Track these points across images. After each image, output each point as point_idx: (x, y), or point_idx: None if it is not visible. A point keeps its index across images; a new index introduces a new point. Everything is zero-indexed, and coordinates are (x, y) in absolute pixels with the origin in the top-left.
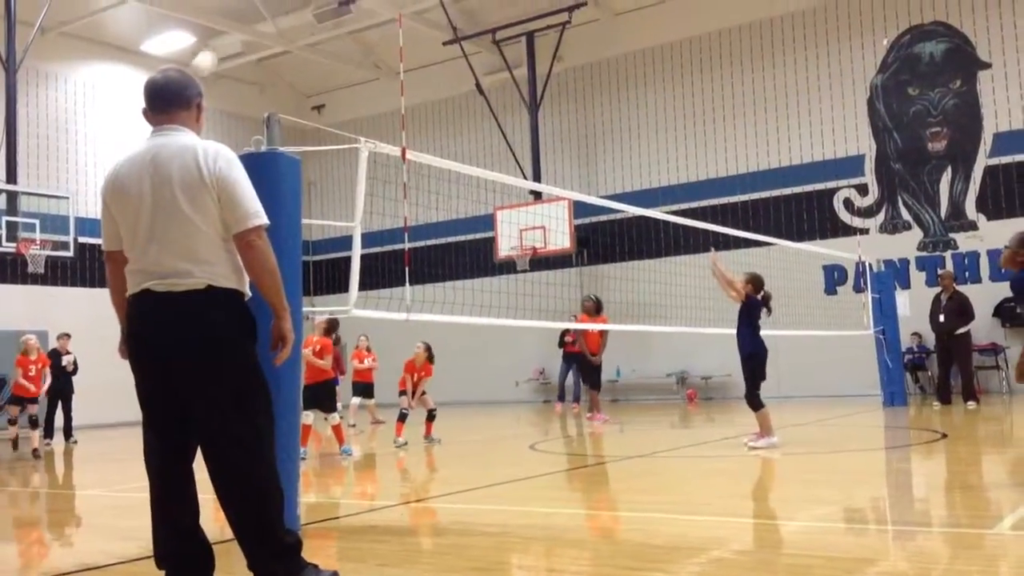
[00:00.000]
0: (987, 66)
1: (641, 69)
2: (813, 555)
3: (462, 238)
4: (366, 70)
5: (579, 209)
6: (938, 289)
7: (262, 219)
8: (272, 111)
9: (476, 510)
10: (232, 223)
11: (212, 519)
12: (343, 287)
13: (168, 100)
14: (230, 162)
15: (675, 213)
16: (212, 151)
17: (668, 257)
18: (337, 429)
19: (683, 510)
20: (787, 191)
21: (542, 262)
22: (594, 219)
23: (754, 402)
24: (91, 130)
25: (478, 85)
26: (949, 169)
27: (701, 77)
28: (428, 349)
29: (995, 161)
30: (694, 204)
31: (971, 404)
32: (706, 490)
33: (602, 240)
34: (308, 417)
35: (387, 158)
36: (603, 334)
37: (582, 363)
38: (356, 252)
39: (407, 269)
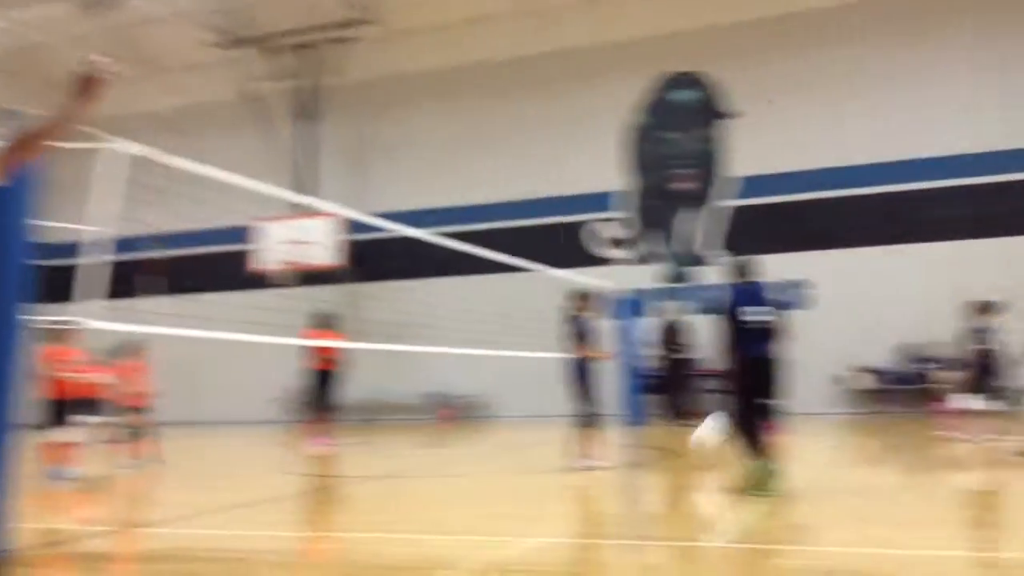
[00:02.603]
0: (732, 116)
1: (421, 90)
2: (538, 570)
3: (222, 248)
4: (131, 67)
5: (351, 226)
6: (673, 317)
7: None
8: (23, 104)
9: (205, 535)
10: None
11: None
12: (95, 294)
13: None
14: None
15: (445, 235)
16: None
17: (434, 279)
18: (65, 447)
19: (423, 530)
20: (548, 220)
21: (310, 278)
22: (365, 237)
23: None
24: None
25: (251, 92)
26: (695, 208)
27: (478, 103)
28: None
29: (735, 203)
30: (464, 227)
31: (691, 424)
32: (447, 510)
33: (372, 259)
34: (71, 434)
35: (146, 161)
36: (337, 352)
37: (314, 381)
38: (91, 258)
39: (155, 278)
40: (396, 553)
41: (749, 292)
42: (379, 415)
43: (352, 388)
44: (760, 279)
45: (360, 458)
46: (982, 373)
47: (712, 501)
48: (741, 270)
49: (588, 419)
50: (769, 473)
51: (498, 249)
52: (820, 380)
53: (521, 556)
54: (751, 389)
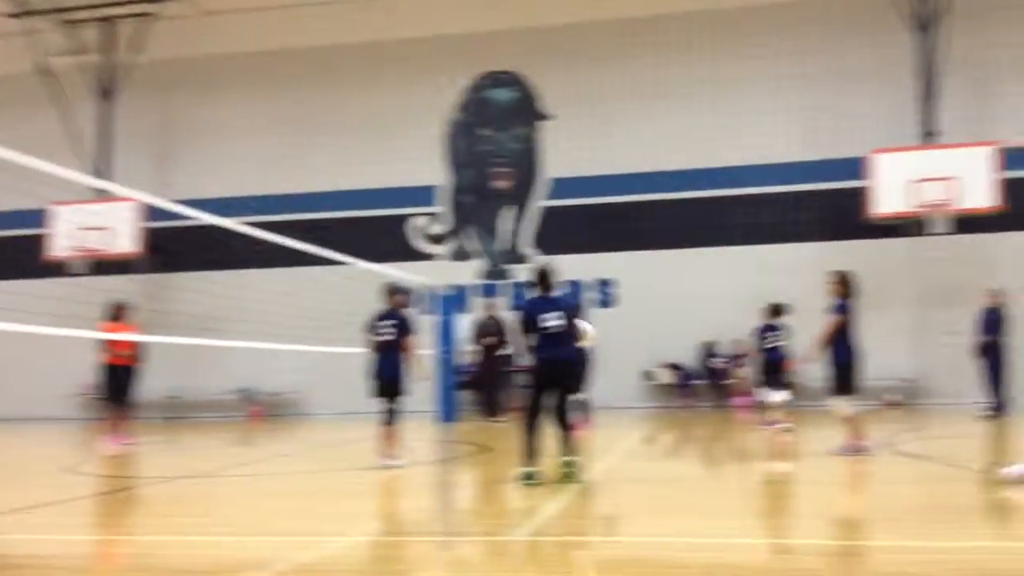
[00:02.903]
0: (548, 117)
1: (233, 74)
2: (347, 570)
3: (14, 233)
4: None
5: (153, 213)
6: (486, 314)
7: None
8: None
9: None
10: None
11: None
12: None
13: None
14: None
15: (255, 225)
16: None
17: (241, 270)
18: None
19: (227, 532)
20: (365, 213)
21: (108, 266)
22: (169, 224)
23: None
24: None
25: (48, 66)
26: (511, 206)
27: (295, 91)
28: None
29: (550, 203)
30: (273, 217)
31: (501, 420)
32: (254, 510)
33: (177, 248)
34: None
35: None
36: (133, 345)
37: (107, 376)
38: None
39: None
40: (198, 556)
41: (545, 298)
42: (184, 413)
43: (154, 384)
44: (558, 283)
45: (162, 458)
46: (772, 369)
47: (521, 495)
48: (540, 275)
49: (392, 415)
50: (571, 467)
51: (315, 241)
52: (630, 376)
53: (331, 556)
54: (543, 389)
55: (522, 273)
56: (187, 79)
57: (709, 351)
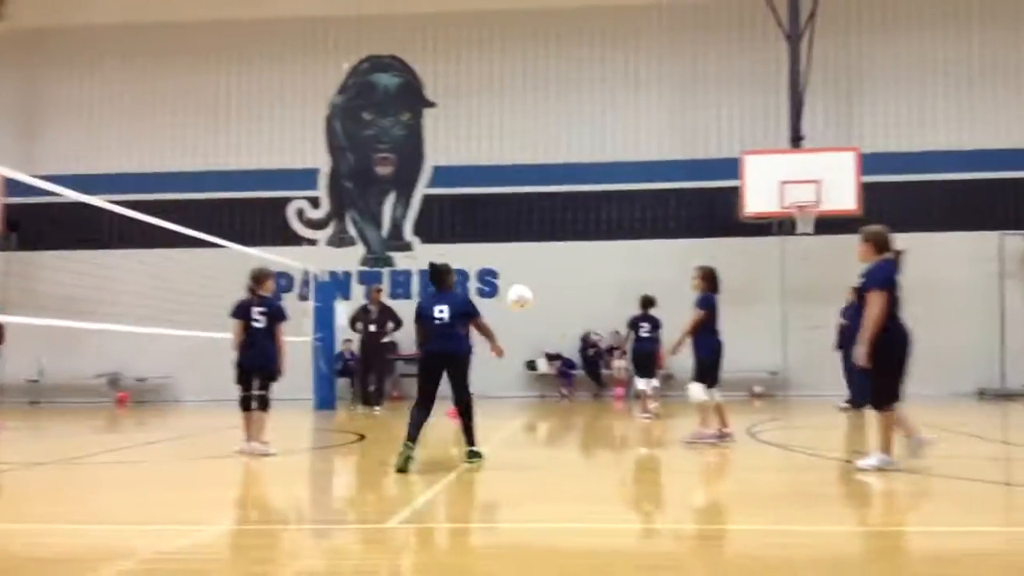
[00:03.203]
0: (432, 105)
1: (100, 45)
2: (220, 558)
3: None
4: None
5: (13, 187)
6: (366, 302)
7: None
8: None
9: None
10: None
11: None
12: None
13: None
14: None
15: (125, 204)
16: None
17: (110, 250)
18: None
19: (88, 520)
20: (242, 195)
21: None
22: (31, 200)
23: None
24: None
25: None
26: (393, 193)
27: (171, 66)
28: None
29: (431, 191)
30: (146, 196)
31: (378, 409)
32: (116, 498)
33: (38, 225)
34: None
35: None
36: None
37: None
38: None
39: None
40: (57, 544)
41: (437, 295)
42: (48, 397)
43: (13, 367)
44: (451, 280)
45: (24, 444)
46: (644, 359)
47: (399, 484)
48: (433, 274)
49: (262, 402)
50: (476, 456)
51: (188, 223)
52: (512, 365)
53: (199, 544)
54: (430, 381)
55: (404, 261)
56: (53, 50)
57: (587, 341)
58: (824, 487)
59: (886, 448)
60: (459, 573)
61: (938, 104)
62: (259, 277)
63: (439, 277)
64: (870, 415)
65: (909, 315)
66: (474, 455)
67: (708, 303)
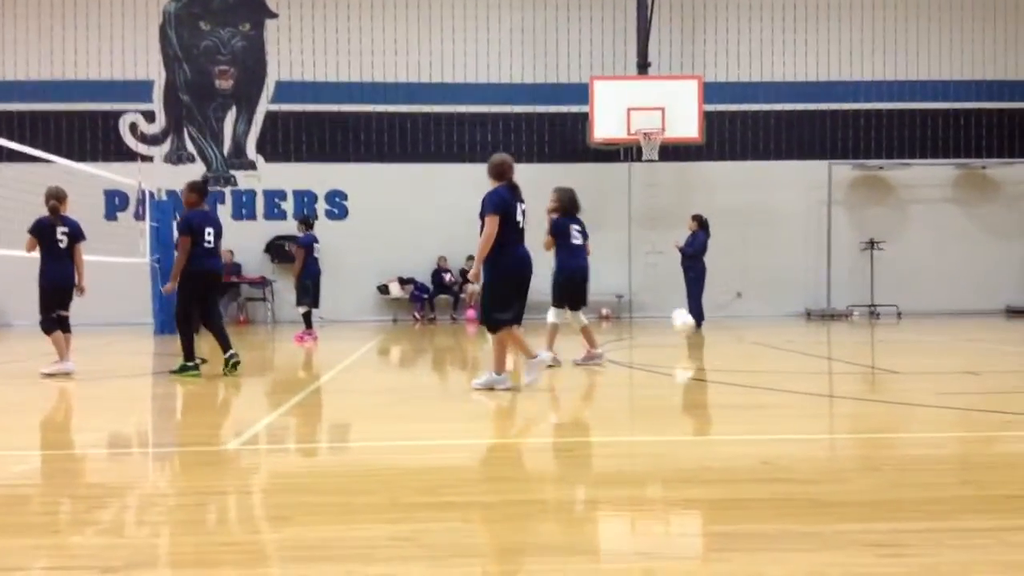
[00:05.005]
0: (274, 16)
1: None
2: (54, 483)
3: None
4: None
5: None
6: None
7: None
8: None
9: None
10: None
11: None
12: None
13: None
14: None
15: None
16: None
17: None
18: None
19: None
20: (71, 107)
21: None
22: None
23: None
24: None
25: None
26: (234, 108)
27: None
28: None
29: (275, 107)
30: None
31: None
32: None
33: None
34: None
35: None
36: None
37: None
38: None
39: None
40: None
41: (204, 213)
42: None
43: None
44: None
45: None
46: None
47: (243, 407)
48: (194, 187)
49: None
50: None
51: (13, 135)
52: (363, 289)
53: (32, 470)
54: (193, 298)
55: (247, 180)
56: None
57: (440, 266)
58: (658, 401)
59: (498, 368)
60: (305, 492)
61: (776, 36)
62: (62, 195)
63: (197, 188)
64: (705, 334)
65: (747, 239)
66: (233, 357)
67: (557, 227)
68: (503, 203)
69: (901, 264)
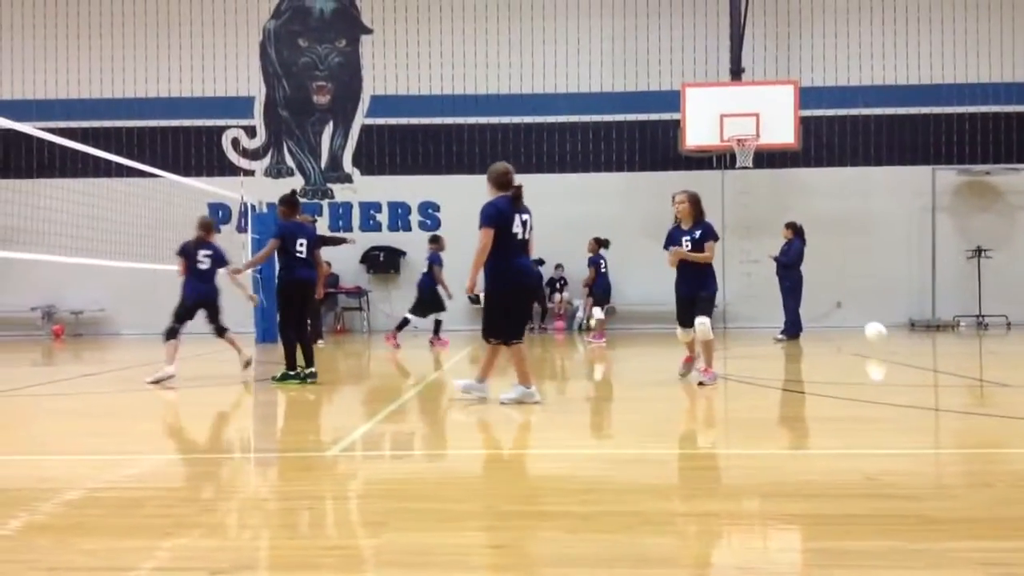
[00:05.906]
0: (369, 31)
1: None
2: (161, 487)
3: None
4: None
5: None
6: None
7: None
8: None
9: None
10: None
11: None
12: None
13: None
14: None
15: (54, 131)
16: None
17: (42, 179)
18: None
19: (33, 451)
20: (176, 123)
21: None
22: None
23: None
24: None
25: None
26: (331, 123)
27: None
28: None
29: (370, 121)
30: (76, 123)
31: (321, 343)
32: (58, 428)
33: None
34: None
35: None
36: None
37: None
38: None
39: None
40: (7, 476)
41: (297, 224)
42: None
43: None
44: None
45: None
46: (608, 292)
47: (338, 414)
48: (283, 200)
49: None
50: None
51: (122, 151)
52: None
53: (142, 474)
54: (290, 307)
55: (343, 193)
56: None
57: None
58: (755, 412)
59: (523, 380)
60: (402, 499)
61: (875, 39)
62: (207, 225)
63: (290, 203)
64: (803, 345)
65: (846, 247)
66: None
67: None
68: (499, 215)
69: (1010, 273)
